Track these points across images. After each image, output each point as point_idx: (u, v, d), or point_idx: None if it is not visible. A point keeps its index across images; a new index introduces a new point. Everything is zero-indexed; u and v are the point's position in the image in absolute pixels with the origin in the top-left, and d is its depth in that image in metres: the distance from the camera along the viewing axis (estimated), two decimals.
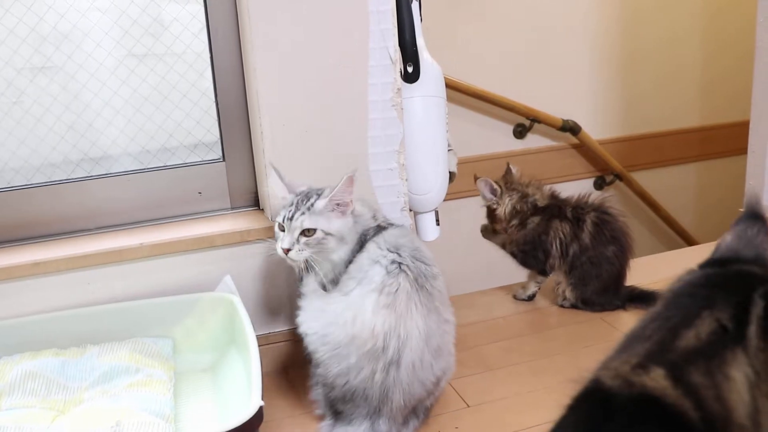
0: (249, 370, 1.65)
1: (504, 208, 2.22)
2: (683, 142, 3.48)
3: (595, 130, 3.31)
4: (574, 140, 3.31)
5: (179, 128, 2.06)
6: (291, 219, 1.70)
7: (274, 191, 1.83)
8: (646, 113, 3.37)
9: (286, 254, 1.70)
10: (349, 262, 1.75)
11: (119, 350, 1.81)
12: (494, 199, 2.23)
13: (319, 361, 1.66)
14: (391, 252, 1.69)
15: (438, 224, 2.14)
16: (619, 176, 3.44)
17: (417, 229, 2.12)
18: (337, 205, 1.72)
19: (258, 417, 1.40)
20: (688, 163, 3.52)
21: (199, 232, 1.92)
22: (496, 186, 2.22)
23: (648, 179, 3.51)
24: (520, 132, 3.27)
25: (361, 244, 1.75)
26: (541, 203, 2.22)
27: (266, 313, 1.99)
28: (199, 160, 2.07)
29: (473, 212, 2.37)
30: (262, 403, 1.42)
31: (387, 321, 1.60)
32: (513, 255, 2.28)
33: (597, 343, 2.01)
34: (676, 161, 3.54)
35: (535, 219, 2.21)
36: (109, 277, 1.89)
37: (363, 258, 1.71)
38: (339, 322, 1.64)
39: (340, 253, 1.74)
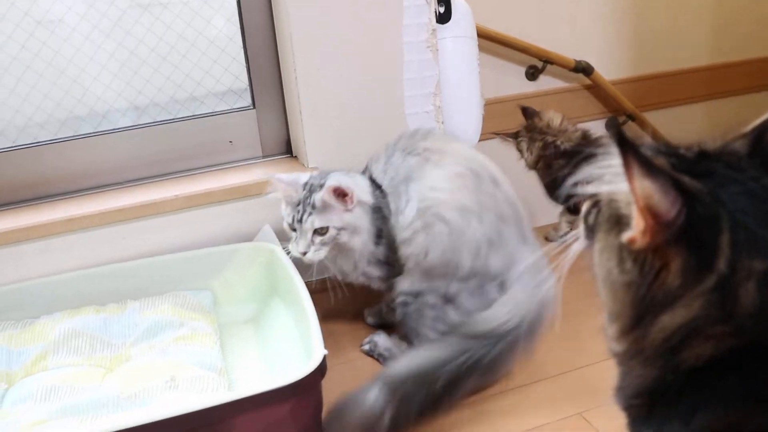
0: (299, 320, 1.63)
1: (527, 157, 2.19)
2: (696, 80, 3.44)
3: (607, 71, 3.26)
4: (587, 81, 3.26)
5: (207, 76, 2.00)
6: (301, 221, 1.64)
7: (283, 195, 1.71)
8: (658, 52, 3.32)
9: (303, 256, 1.66)
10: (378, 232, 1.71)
11: (161, 304, 1.78)
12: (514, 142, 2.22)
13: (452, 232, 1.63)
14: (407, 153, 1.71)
15: None
16: (631, 117, 3.40)
17: None
18: (336, 203, 1.64)
19: (322, 366, 1.37)
20: (700, 101, 3.49)
21: (234, 182, 1.88)
22: (509, 139, 2.21)
23: (660, 119, 3.47)
24: (532, 74, 3.20)
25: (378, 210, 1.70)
26: (566, 146, 2.18)
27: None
28: (229, 108, 2.02)
29: (500, 153, 2.33)
30: (325, 351, 1.39)
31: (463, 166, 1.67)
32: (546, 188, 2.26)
33: None
34: (689, 100, 3.50)
35: (561, 162, 2.17)
36: (145, 230, 1.85)
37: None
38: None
39: (356, 241, 1.67)
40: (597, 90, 3.29)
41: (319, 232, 1.63)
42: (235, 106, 2.02)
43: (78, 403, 1.50)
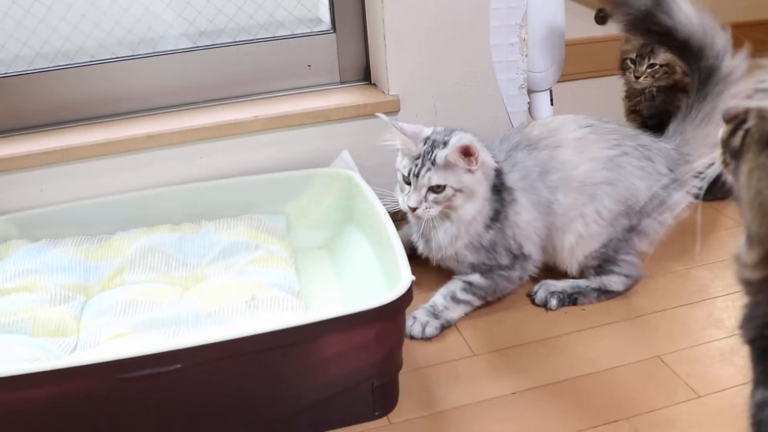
0: (379, 247, 1.61)
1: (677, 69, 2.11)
2: None
3: None
4: None
5: None
6: (417, 175, 1.57)
7: (401, 146, 1.63)
8: (733, 0, 3.23)
9: (413, 212, 1.60)
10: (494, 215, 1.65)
11: (236, 226, 1.77)
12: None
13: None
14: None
15: (552, 104, 2.06)
16: None
17: (531, 108, 2.03)
18: (461, 162, 1.57)
19: (410, 292, 1.34)
20: None
21: (314, 106, 1.85)
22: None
23: None
24: (602, 17, 3.12)
25: (497, 189, 1.64)
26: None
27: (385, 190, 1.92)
28: (309, 31, 1.98)
29: (579, 96, 2.28)
30: (413, 277, 1.36)
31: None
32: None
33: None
34: (762, 53, 3.41)
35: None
36: (222, 150, 1.84)
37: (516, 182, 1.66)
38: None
39: (468, 209, 1.61)
40: None
41: (435, 189, 1.58)
42: (315, 30, 1.98)
43: (158, 317, 1.50)
